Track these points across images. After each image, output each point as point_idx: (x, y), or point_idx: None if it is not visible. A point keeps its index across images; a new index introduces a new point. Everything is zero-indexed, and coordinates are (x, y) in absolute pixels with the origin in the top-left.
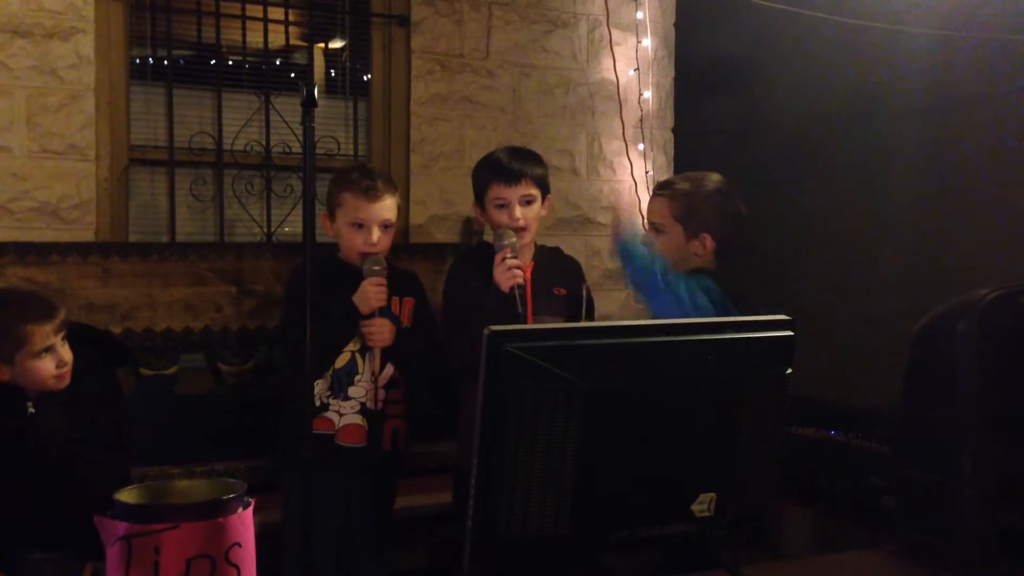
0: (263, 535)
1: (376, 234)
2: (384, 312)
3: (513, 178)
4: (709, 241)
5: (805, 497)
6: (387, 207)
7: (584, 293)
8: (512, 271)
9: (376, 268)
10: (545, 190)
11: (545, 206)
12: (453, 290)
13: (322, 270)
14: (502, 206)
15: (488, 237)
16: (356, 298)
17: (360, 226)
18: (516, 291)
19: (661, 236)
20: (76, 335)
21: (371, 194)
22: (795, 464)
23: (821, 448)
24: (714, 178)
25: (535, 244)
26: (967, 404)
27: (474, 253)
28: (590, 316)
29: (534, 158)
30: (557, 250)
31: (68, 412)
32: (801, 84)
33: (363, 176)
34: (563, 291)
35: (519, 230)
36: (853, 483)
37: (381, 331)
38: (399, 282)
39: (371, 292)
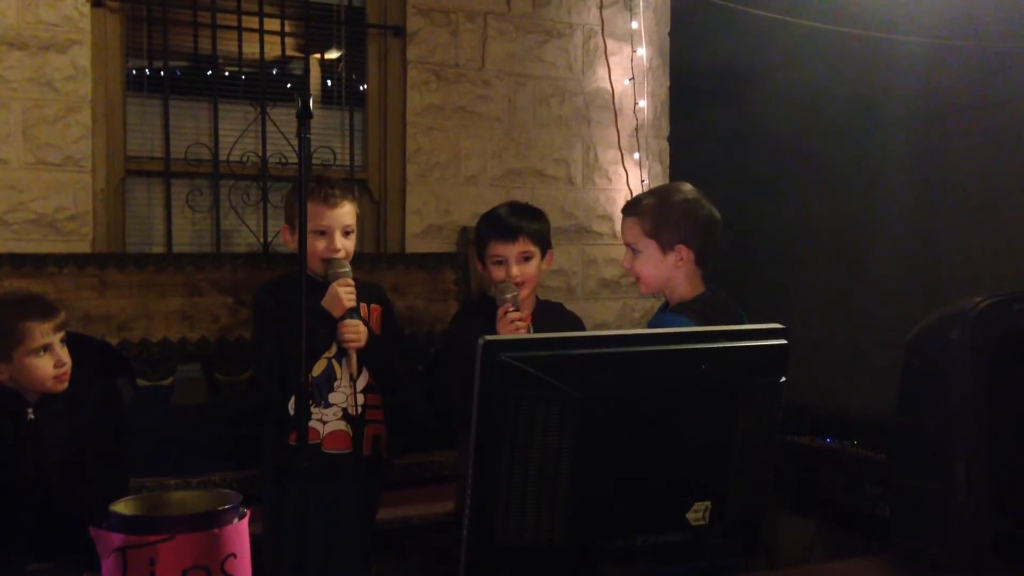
0: (259, 546)
1: (338, 239)
2: (355, 315)
3: (510, 235)
4: (686, 252)
5: (801, 505)
6: (347, 213)
7: None
8: (515, 324)
9: (342, 271)
10: (545, 245)
11: (546, 261)
12: (452, 344)
13: (286, 285)
14: (500, 263)
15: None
16: (326, 302)
17: (322, 233)
18: None
19: (638, 255)
20: (75, 344)
21: (330, 201)
22: (791, 472)
23: (817, 456)
24: (682, 188)
25: (536, 299)
26: (961, 411)
27: (475, 307)
28: None
29: (534, 214)
30: (558, 306)
31: (67, 419)
32: (795, 92)
33: (321, 184)
34: None
35: (517, 285)
36: (849, 491)
37: (356, 330)
38: (364, 291)
39: (341, 293)
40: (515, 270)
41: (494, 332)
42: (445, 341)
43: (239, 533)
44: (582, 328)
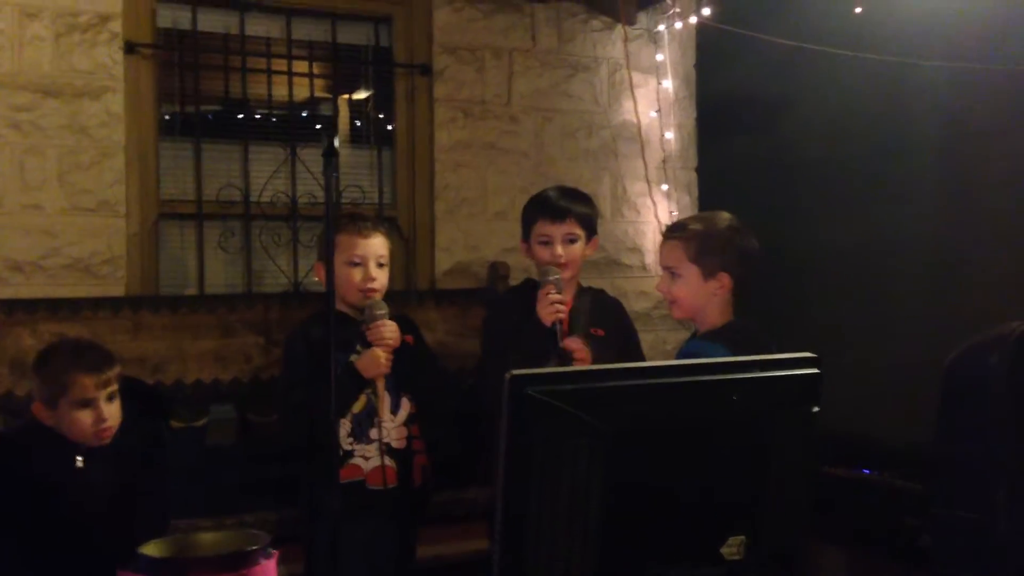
0: None
1: (373, 269)
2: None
3: (558, 216)
4: (727, 280)
5: (839, 538)
6: (380, 243)
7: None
8: (555, 306)
9: (380, 312)
10: (591, 231)
11: (590, 247)
12: (493, 326)
13: (319, 323)
14: (546, 243)
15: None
16: (363, 363)
17: (356, 264)
18: (557, 326)
19: (677, 280)
20: (124, 388)
21: (364, 231)
22: (828, 504)
23: (855, 487)
24: (725, 216)
25: (579, 284)
26: (1000, 437)
27: (517, 291)
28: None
29: (583, 198)
30: (600, 292)
31: (116, 468)
32: (822, 121)
33: (354, 218)
34: (601, 332)
35: (560, 267)
36: (888, 523)
37: (392, 331)
38: (396, 322)
39: (382, 360)
40: (560, 250)
41: (533, 313)
42: (485, 324)
43: (267, 573)
44: (622, 312)
